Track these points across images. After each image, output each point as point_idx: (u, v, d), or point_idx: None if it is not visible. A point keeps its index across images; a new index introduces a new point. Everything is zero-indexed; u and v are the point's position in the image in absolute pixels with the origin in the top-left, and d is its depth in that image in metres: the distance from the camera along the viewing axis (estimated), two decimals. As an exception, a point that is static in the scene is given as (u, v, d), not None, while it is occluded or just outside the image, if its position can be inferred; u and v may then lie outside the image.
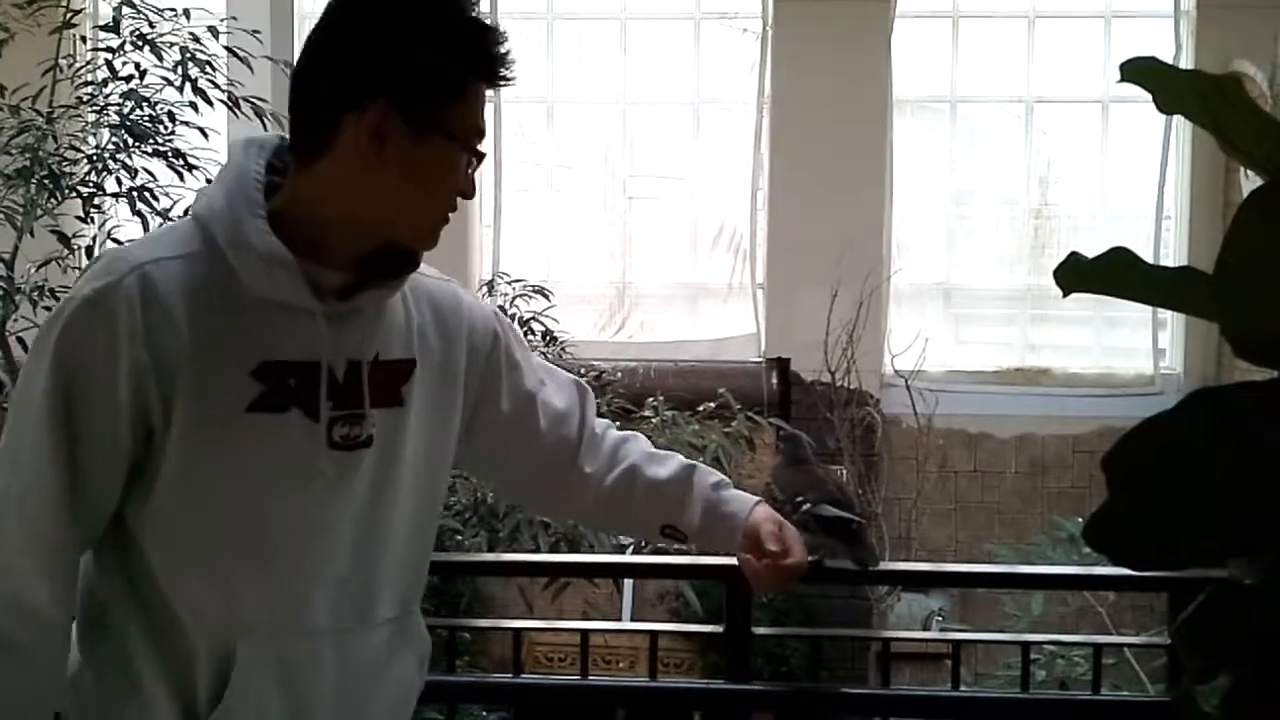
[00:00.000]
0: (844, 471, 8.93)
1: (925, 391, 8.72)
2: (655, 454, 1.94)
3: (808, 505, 1.95)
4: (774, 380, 9.76)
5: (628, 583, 8.11)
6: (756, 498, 1.93)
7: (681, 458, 1.93)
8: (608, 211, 9.71)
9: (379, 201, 1.55)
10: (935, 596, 10.81)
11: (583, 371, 6.42)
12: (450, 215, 1.61)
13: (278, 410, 1.55)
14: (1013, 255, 9.89)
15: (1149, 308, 9.92)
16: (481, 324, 1.82)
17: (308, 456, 1.58)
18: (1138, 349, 9.98)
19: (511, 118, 9.56)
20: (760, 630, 2.07)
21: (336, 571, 1.63)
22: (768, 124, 9.46)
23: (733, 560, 1.82)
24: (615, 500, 1.89)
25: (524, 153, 9.66)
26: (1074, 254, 1.14)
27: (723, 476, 1.94)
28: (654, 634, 2.10)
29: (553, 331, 5.99)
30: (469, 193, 1.61)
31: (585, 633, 2.14)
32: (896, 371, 9.14)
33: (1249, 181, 9.28)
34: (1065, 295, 1.18)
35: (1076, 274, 1.15)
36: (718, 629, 1.98)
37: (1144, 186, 9.67)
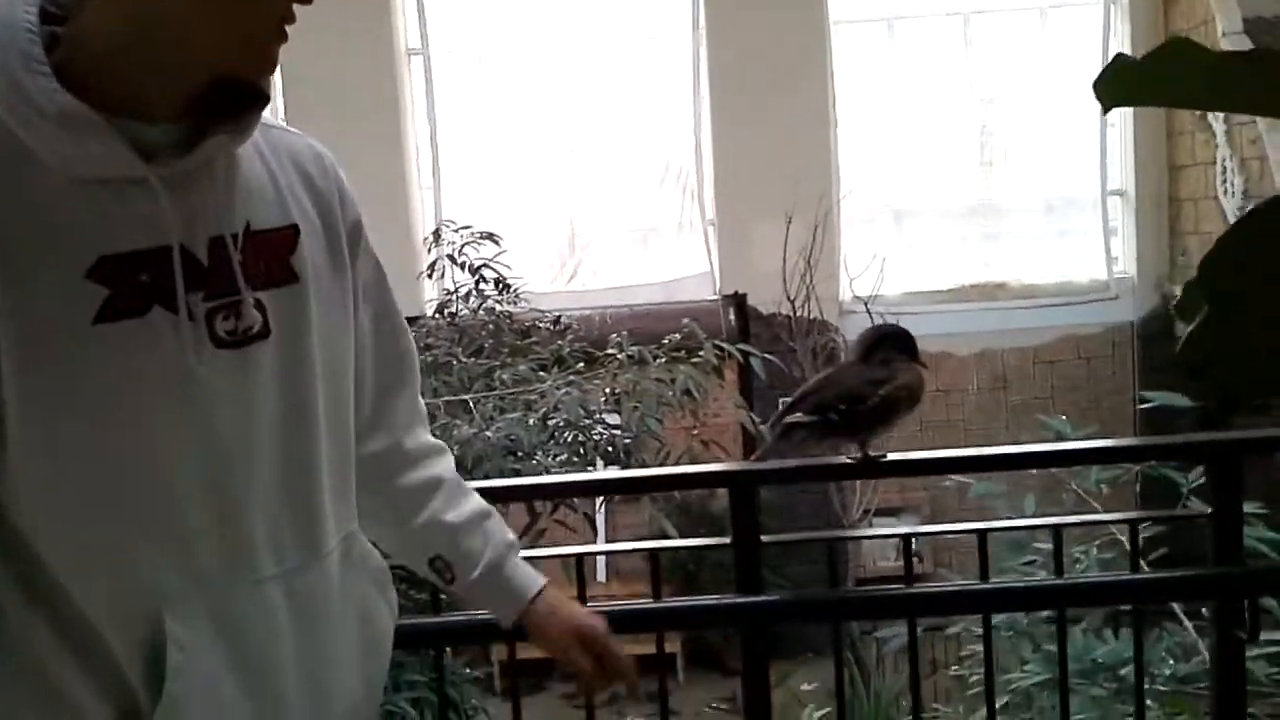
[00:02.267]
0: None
1: (885, 315, 8.65)
2: (461, 483, 1.65)
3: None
4: (732, 316, 9.67)
5: (600, 520, 8.02)
6: (545, 577, 1.67)
7: (482, 500, 1.66)
8: (550, 158, 9.51)
9: (181, 20, 1.19)
10: (906, 519, 10.88)
11: (536, 318, 6.32)
12: (286, 32, 1.25)
13: (135, 314, 1.23)
14: (960, 172, 9.82)
15: (1098, 214, 9.94)
16: (351, 198, 1.51)
17: (188, 364, 1.26)
18: (1091, 256, 9.99)
19: (443, 68, 9.30)
20: (769, 538, 1.96)
21: (266, 500, 1.33)
22: (705, 56, 9.28)
23: (739, 465, 1.69)
24: (397, 506, 1.60)
25: (459, 103, 9.41)
26: (1119, 56, 1.00)
27: (515, 539, 1.67)
28: (655, 553, 1.98)
29: (506, 279, 5.82)
30: None
31: (579, 557, 2.01)
32: (855, 296, 9.08)
33: (1190, 77, 9.25)
34: (1106, 111, 1.04)
35: (1121, 83, 1.00)
36: (724, 541, 1.87)
37: (1088, 92, 9.61)
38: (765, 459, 2.05)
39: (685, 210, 9.62)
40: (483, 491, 1.63)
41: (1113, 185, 9.85)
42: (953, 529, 2.37)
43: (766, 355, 4.84)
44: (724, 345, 4.73)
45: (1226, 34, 8.74)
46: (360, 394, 1.52)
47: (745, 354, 4.85)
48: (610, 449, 4.70)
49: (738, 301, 9.50)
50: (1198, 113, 9.17)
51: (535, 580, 1.65)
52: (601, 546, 5.24)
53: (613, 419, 4.73)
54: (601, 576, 9.80)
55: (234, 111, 1.29)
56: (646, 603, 1.72)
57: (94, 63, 1.21)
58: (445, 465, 1.64)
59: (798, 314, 8.23)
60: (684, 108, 9.42)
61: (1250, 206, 6.42)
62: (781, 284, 8.40)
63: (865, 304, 8.41)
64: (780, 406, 2.19)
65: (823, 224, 8.58)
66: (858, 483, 8.94)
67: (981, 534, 2.03)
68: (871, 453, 2.10)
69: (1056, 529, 2.11)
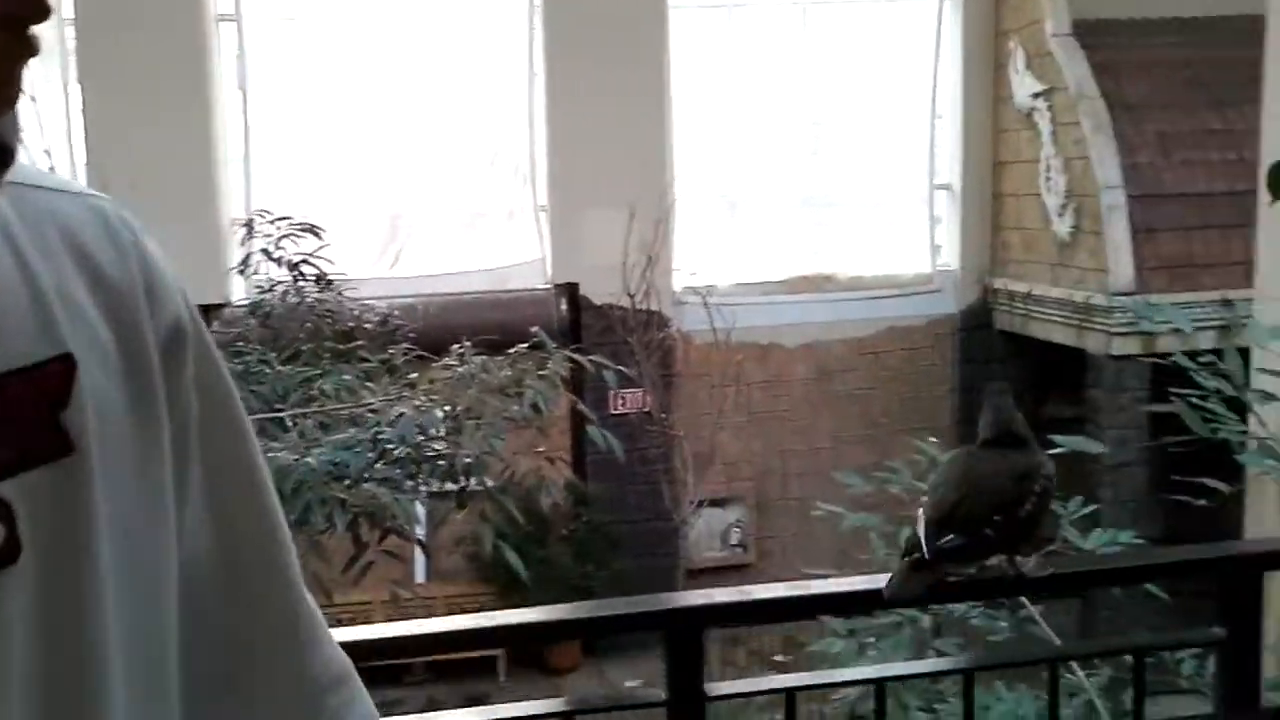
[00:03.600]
0: (644, 395, 8.66)
1: (720, 307, 8.49)
2: None
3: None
4: (563, 306, 9.33)
5: (419, 538, 7.58)
6: None
7: None
8: (372, 135, 8.91)
9: None
10: (732, 509, 10.85)
11: (361, 314, 5.81)
12: (30, 44, 0.73)
13: None
14: (792, 163, 9.75)
15: (924, 208, 10.05)
16: (167, 283, 0.91)
17: None
18: (915, 249, 10.10)
19: (256, 35, 8.55)
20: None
21: None
22: (540, 36, 8.85)
23: (682, 603, 1.34)
24: None
25: (273, 74, 8.68)
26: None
27: None
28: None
29: (327, 275, 5.31)
30: None
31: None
32: (691, 289, 8.88)
33: (1019, 76, 9.43)
34: (1274, 200, 0.78)
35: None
36: (657, 697, 1.49)
37: (920, 86, 9.69)
38: (903, 595, 1.51)
39: (517, 195, 9.20)
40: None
41: (939, 179, 9.96)
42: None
43: (606, 364, 4.49)
44: (576, 357, 4.38)
45: (1056, 34, 8.91)
46: (194, 626, 0.92)
47: (597, 365, 4.52)
48: (450, 468, 4.30)
49: (570, 292, 9.16)
50: (1024, 111, 9.36)
51: None
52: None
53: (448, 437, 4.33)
54: (421, 578, 9.36)
55: None
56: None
57: None
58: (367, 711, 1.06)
59: (637, 309, 7.95)
60: (517, 88, 8.99)
61: (1071, 205, 6.51)
62: (615, 274, 8.10)
63: (704, 297, 8.21)
64: (917, 529, 1.56)
65: (663, 215, 8.32)
66: (690, 476, 8.80)
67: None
68: (1031, 567, 1.54)
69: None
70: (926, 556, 1.46)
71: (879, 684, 1.24)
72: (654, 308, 8.14)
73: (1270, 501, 6.66)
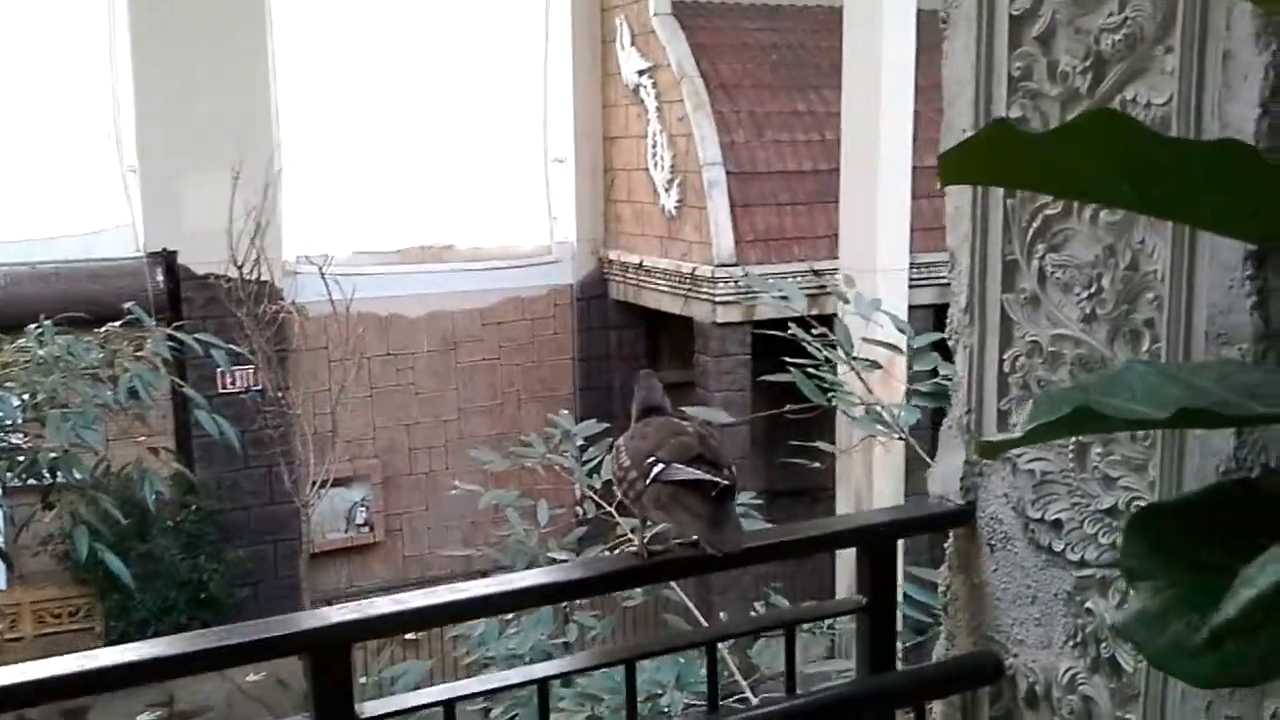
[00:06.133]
0: (257, 372, 8.16)
1: (338, 277, 8.15)
2: None
3: (660, 467, 1.20)
4: (160, 277, 8.59)
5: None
6: None
7: None
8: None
9: None
10: (357, 488, 10.55)
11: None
12: None
13: None
14: (411, 133, 9.52)
15: (542, 180, 10.19)
16: None
17: None
18: (535, 221, 10.22)
19: None
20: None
21: None
22: (123, -12, 8.03)
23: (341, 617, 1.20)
24: None
25: None
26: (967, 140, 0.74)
27: None
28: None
29: None
30: None
31: None
32: (305, 258, 8.46)
33: (625, 53, 9.73)
34: (944, 184, 0.81)
35: (963, 162, 0.77)
36: None
37: (532, 58, 9.77)
38: (740, 542, 1.27)
39: (101, 155, 8.34)
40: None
41: (555, 153, 10.12)
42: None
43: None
44: (179, 335, 4.01)
45: (658, 13, 9.27)
46: None
47: (203, 344, 4.16)
48: (32, 463, 3.83)
49: (167, 261, 8.45)
50: (631, 87, 9.68)
51: None
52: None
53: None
54: (1, 583, 8.36)
55: None
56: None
57: None
58: None
59: (245, 279, 7.45)
60: (98, 41, 8.11)
61: (677, 180, 6.84)
62: (219, 241, 7.51)
63: (320, 268, 7.84)
64: (647, 458, 1.33)
65: (272, 180, 7.84)
66: (310, 455, 8.43)
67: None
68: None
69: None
70: (730, 484, 1.27)
71: (542, 684, 1.20)
72: (265, 278, 7.67)
73: (857, 461, 7.40)
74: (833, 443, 4.92)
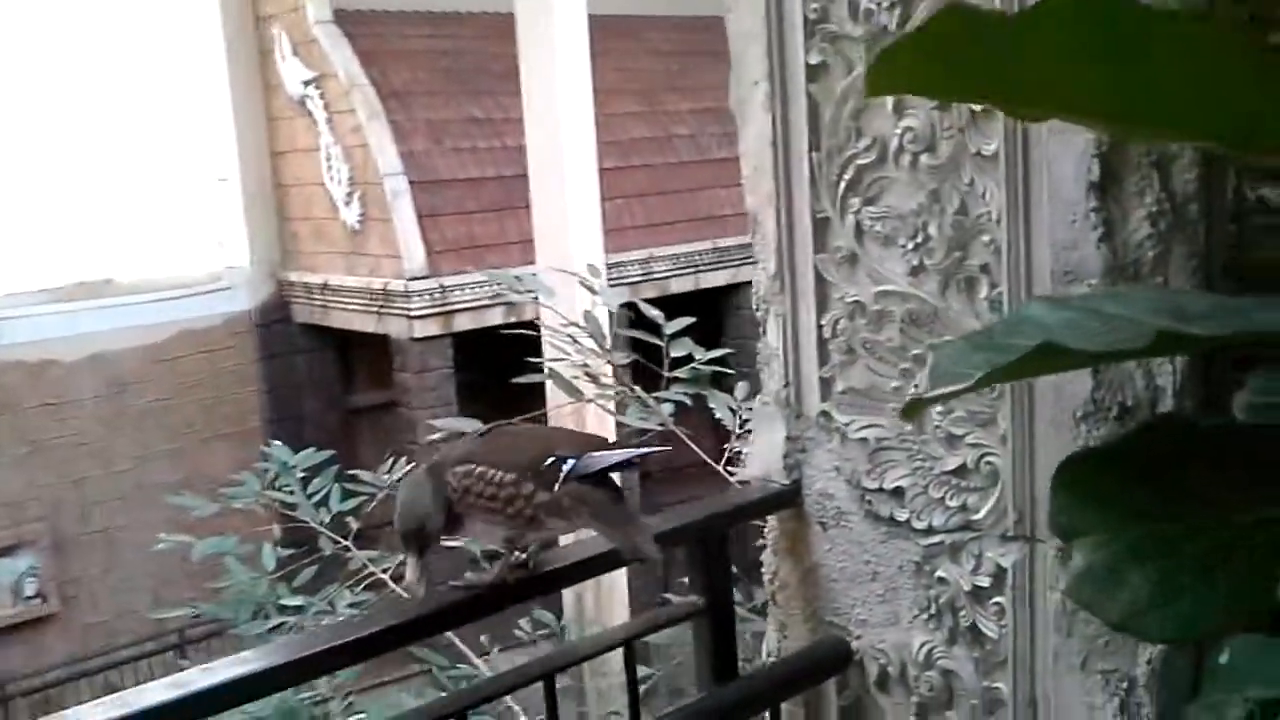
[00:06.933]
0: None
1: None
2: None
3: (571, 464, 0.97)
4: None
5: None
6: None
7: None
8: None
9: None
10: (22, 556, 9.44)
11: None
12: None
13: None
14: (55, 158, 8.59)
15: (207, 202, 9.49)
16: None
17: None
18: (202, 247, 9.50)
19: None
20: None
21: None
22: None
23: None
24: None
25: None
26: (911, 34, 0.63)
27: None
28: None
29: None
30: None
31: None
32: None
33: (286, 64, 9.20)
34: (870, 95, 0.70)
35: (895, 66, 0.65)
36: None
37: (190, 75, 9.08)
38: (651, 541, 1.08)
39: None
40: None
41: (219, 173, 9.45)
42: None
43: None
44: None
45: (318, 22, 8.83)
46: None
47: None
48: None
49: None
50: (296, 99, 9.17)
51: None
52: None
53: None
54: None
55: None
56: None
57: None
58: None
59: None
60: None
61: (357, 193, 6.55)
62: None
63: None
64: (544, 460, 1.06)
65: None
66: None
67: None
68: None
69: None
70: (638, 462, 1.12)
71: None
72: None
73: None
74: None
